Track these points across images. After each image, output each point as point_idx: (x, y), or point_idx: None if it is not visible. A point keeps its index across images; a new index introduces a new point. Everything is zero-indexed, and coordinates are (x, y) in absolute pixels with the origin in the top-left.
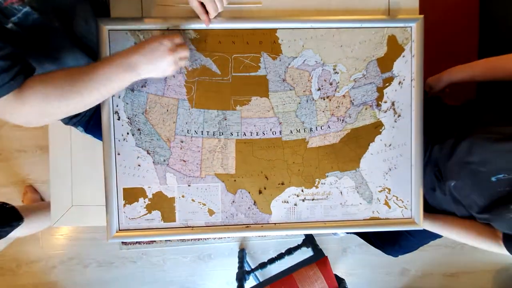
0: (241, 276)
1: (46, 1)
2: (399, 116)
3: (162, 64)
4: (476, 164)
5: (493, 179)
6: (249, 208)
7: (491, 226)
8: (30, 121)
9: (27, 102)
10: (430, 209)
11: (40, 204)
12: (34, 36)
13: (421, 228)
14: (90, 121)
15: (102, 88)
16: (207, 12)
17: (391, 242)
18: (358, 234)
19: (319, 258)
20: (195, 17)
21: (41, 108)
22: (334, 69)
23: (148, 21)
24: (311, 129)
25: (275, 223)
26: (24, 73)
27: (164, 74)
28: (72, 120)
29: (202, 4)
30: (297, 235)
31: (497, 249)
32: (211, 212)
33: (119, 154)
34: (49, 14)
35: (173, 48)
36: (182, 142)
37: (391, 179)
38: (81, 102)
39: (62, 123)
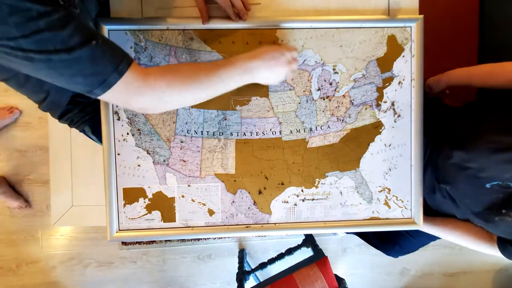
0: (241, 276)
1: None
2: (399, 116)
3: (277, 72)
4: (473, 170)
5: (488, 185)
6: (249, 208)
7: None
8: (149, 105)
9: (152, 85)
10: (430, 211)
11: None
12: None
13: (421, 228)
14: (99, 122)
15: (220, 85)
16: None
17: (391, 242)
18: (358, 234)
19: (319, 258)
20: (195, 17)
21: (163, 93)
22: (334, 69)
23: (148, 21)
24: (311, 129)
25: (275, 223)
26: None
27: (273, 83)
28: (78, 121)
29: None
30: (297, 235)
31: (494, 252)
32: (211, 212)
33: (119, 154)
34: (86, 15)
35: (291, 60)
36: (182, 142)
37: (391, 179)
38: (197, 95)
39: (62, 124)
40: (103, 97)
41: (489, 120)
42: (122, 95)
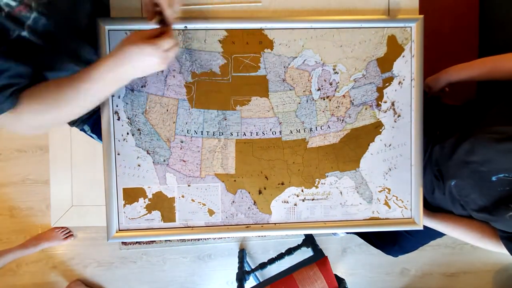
0: (241, 276)
1: (49, 5)
2: (399, 116)
3: (153, 70)
4: (477, 163)
5: (494, 178)
6: (249, 208)
7: (491, 225)
8: (28, 131)
9: (22, 117)
10: (430, 209)
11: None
12: (47, 41)
13: (421, 228)
14: (98, 121)
15: (88, 100)
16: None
17: (391, 242)
18: (358, 234)
19: (319, 258)
20: (195, 17)
21: (35, 121)
22: (334, 69)
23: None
24: (311, 129)
25: (275, 223)
26: (19, 91)
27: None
28: (77, 121)
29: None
30: (297, 235)
31: (496, 248)
32: (211, 212)
33: (119, 154)
34: (55, 17)
35: (164, 56)
36: (182, 142)
37: (391, 179)
38: (72, 112)
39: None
40: None
41: (490, 113)
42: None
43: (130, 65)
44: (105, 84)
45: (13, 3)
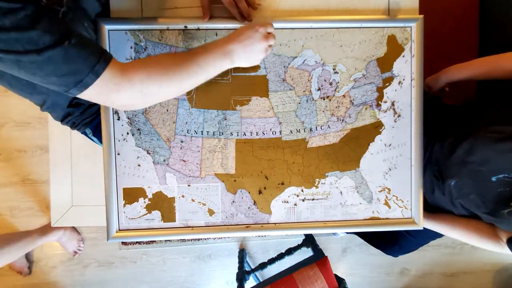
0: (241, 276)
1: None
2: (399, 116)
3: (255, 50)
4: (476, 163)
5: (493, 179)
6: (249, 208)
7: (493, 225)
8: (130, 102)
9: (131, 79)
10: (430, 209)
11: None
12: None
13: (421, 228)
14: (99, 125)
15: (200, 73)
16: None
17: (391, 242)
18: (358, 234)
19: (319, 258)
20: (194, 17)
21: (143, 87)
22: (334, 69)
23: (148, 21)
24: (311, 129)
25: (275, 223)
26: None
27: (255, 62)
28: (79, 124)
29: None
30: (297, 235)
31: (498, 249)
32: (211, 212)
33: (119, 154)
34: (80, 14)
35: (266, 35)
36: (182, 142)
37: (391, 179)
38: (178, 86)
39: (63, 125)
40: (81, 96)
41: (490, 112)
42: (101, 94)
43: (241, 43)
44: (216, 59)
45: None
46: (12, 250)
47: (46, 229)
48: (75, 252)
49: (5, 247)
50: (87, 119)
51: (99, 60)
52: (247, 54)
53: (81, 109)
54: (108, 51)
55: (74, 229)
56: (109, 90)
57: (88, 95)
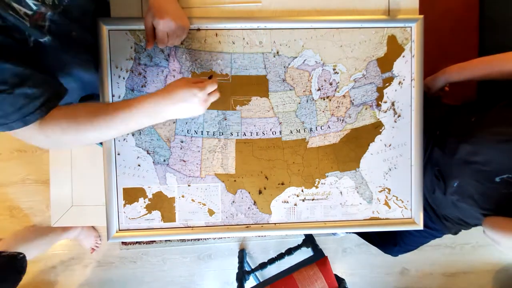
0: (241, 276)
1: (63, 12)
2: (399, 116)
3: (191, 112)
4: (480, 164)
5: (497, 179)
6: (249, 208)
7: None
8: (46, 147)
9: (46, 132)
10: (430, 209)
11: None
12: (62, 46)
13: (421, 228)
14: None
15: (124, 129)
16: (154, 37)
17: (390, 241)
18: (358, 232)
19: (319, 258)
20: (194, 17)
21: (57, 139)
22: (334, 69)
23: None
24: (311, 129)
25: (275, 223)
26: (52, 101)
27: (192, 116)
28: None
29: (154, 28)
30: (297, 235)
31: None
32: (211, 212)
33: (119, 154)
34: (70, 22)
35: (205, 99)
36: (182, 142)
37: (391, 179)
38: (97, 138)
39: None
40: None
41: (492, 113)
42: (23, 137)
43: (175, 105)
44: (143, 117)
45: (34, 8)
46: (40, 244)
47: (66, 227)
48: (93, 249)
49: (35, 240)
50: None
51: (33, 112)
52: (180, 114)
53: None
54: (108, 51)
55: (91, 226)
56: (29, 137)
57: (12, 133)
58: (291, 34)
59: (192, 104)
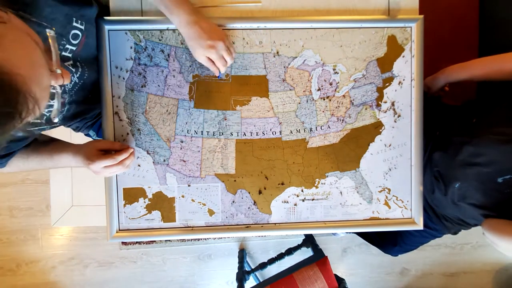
0: (241, 276)
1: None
2: (399, 116)
3: (111, 174)
4: (481, 165)
5: (500, 180)
6: (249, 208)
7: None
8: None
9: (10, 169)
10: (430, 209)
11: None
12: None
13: (421, 228)
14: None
15: (51, 165)
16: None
17: (390, 241)
18: (358, 232)
19: (319, 258)
20: None
21: (19, 171)
22: (334, 69)
23: (148, 21)
24: (311, 129)
25: (275, 223)
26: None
27: None
28: (82, 127)
29: (210, 59)
30: (297, 235)
31: None
32: (211, 212)
33: None
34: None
35: (99, 171)
36: (182, 142)
37: (391, 179)
38: (43, 169)
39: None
40: None
41: (493, 113)
42: None
43: (78, 164)
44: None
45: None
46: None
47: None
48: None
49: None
50: (88, 122)
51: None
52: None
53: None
54: (108, 51)
55: None
56: None
57: None
58: (291, 34)
59: (105, 172)
